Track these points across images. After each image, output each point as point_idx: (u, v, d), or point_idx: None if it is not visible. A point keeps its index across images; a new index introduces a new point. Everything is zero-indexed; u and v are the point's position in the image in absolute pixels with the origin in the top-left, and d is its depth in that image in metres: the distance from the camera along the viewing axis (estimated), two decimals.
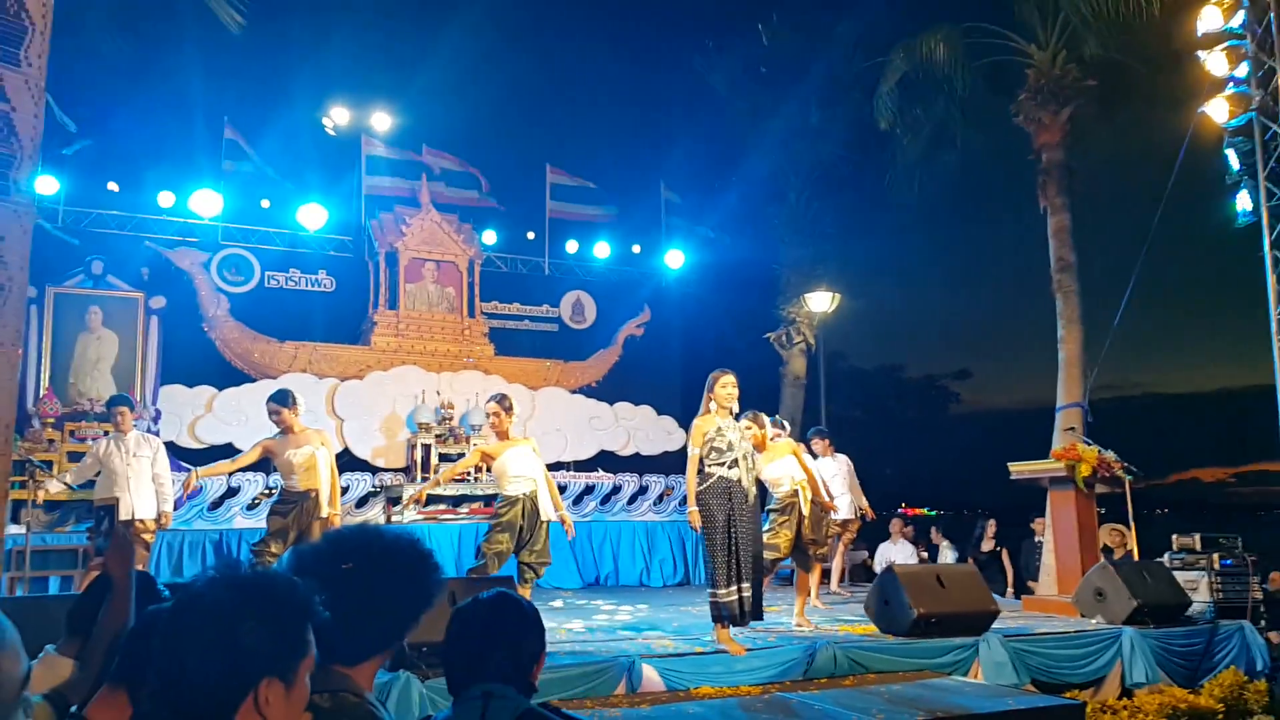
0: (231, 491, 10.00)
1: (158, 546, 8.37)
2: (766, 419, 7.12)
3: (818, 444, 9.09)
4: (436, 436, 11.29)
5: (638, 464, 12.68)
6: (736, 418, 6.08)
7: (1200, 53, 8.64)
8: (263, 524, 9.32)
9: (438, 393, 11.81)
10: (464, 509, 10.90)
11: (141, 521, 6.91)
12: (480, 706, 1.93)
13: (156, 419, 10.53)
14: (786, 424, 8.27)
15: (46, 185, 10.50)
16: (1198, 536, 8.90)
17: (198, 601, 1.37)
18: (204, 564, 9.10)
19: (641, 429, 13.20)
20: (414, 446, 11.25)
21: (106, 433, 9.75)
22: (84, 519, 9.10)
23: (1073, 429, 9.59)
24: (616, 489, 11.90)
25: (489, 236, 13.15)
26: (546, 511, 6.40)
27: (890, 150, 12.24)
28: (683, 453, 12.55)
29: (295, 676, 1.40)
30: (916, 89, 11.32)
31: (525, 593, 6.22)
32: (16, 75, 2.91)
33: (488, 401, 6.71)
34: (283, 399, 6.58)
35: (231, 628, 1.34)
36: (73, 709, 1.96)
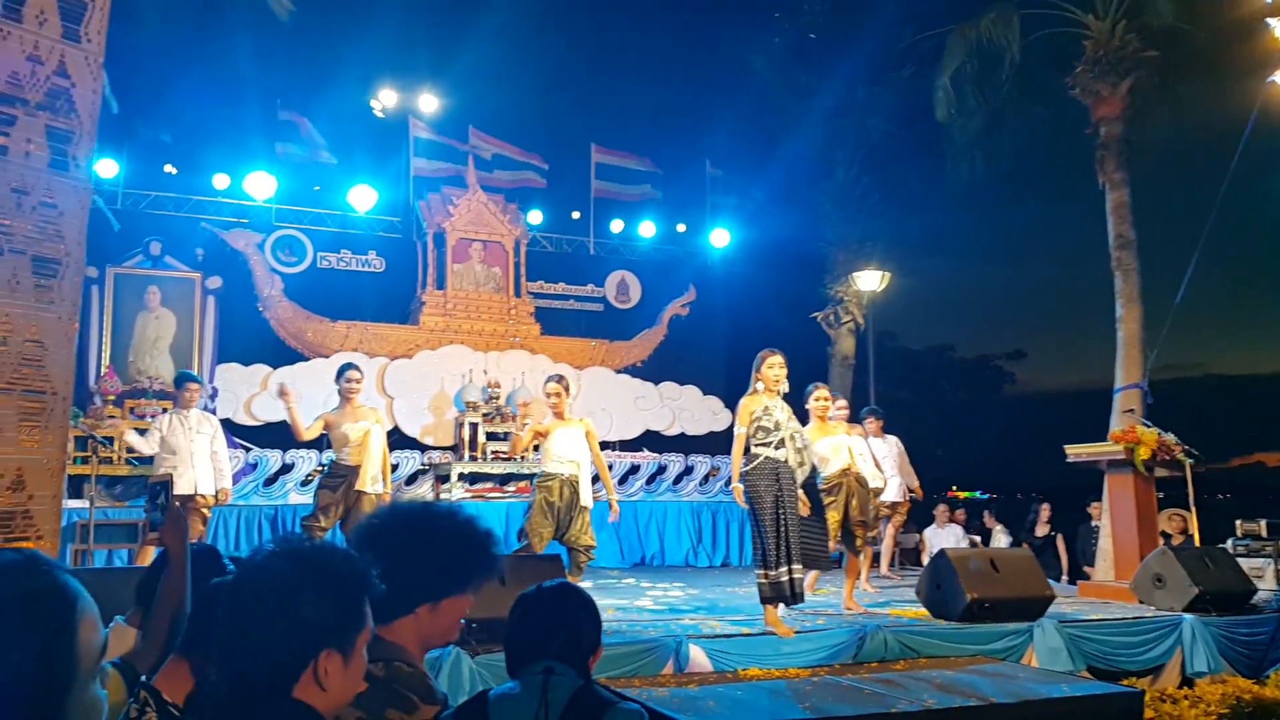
0: (286, 468, 10.18)
1: (214, 522, 8.54)
2: (821, 391, 7.06)
3: (871, 424, 8.96)
4: (484, 415, 11.37)
5: (683, 444, 12.66)
6: (785, 396, 5.99)
7: (1270, 20, 8.31)
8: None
9: (485, 372, 11.88)
10: (511, 487, 10.98)
11: (202, 496, 7.07)
12: (541, 681, 1.94)
13: (213, 396, 10.73)
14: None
15: (106, 168, 10.73)
16: (1263, 523, 8.68)
17: (258, 574, 1.40)
18: (260, 539, 9.27)
19: (687, 409, 13.16)
20: (461, 425, 11.34)
21: (165, 410, 9.98)
22: (144, 494, 9.31)
23: (1132, 410, 9.35)
24: (662, 469, 11.90)
25: (535, 216, 13.16)
26: (586, 497, 6.38)
27: (939, 123, 11.96)
28: (728, 433, 12.51)
29: (353, 649, 1.42)
30: (972, 70, 11.03)
31: (577, 578, 6.22)
32: (77, 51, 2.95)
33: (549, 381, 6.67)
34: (357, 368, 6.89)
35: (291, 600, 1.36)
36: (142, 678, 2.01)
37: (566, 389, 6.63)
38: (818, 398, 6.94)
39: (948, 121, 11.34)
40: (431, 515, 1.97)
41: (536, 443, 6.79)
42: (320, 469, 9.96)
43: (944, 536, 10.54)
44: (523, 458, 11.08)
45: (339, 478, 6.63)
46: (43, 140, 2.89)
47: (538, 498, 6.36)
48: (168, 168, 11.59)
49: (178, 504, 6.98)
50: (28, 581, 1.03)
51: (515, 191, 12.97)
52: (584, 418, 6.89)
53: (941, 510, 10.94)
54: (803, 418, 6.50)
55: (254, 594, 1.38)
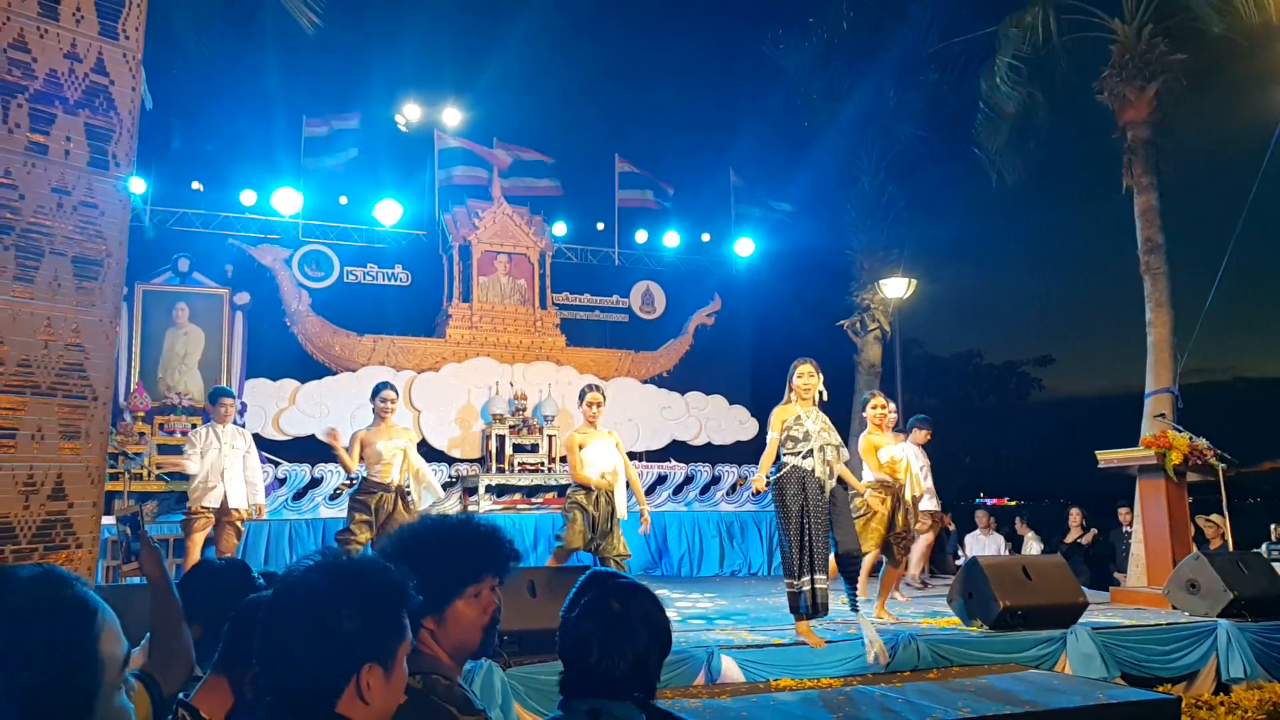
0: (315, 482, 10.25)
1: (244, 536, 8.58)
2: (878, 399, 7.03)
3: (919, 433, 8.77)
4: (510, 427, 11.40)
5: (710, 454, 12.65)
6: (823, 405, 5.95)
7: None
8: (345, 514, 9.56)
9: (511, 384, 11.93)
10: (538, 499, 11.01)
11: (236, 510, 7.13)
12: None
13: (243, 412, 10.81)
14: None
15: (134, 185, 10.87)
16: None
17: (297, 590, 1.39)
18: (290, 553, 9.34)
19: (713, 418, 13.15)
20: (489, 437, 11.38)
21: (194, 425, 10.07)
22: (173, 510, 9.40)
23: (1163, 415, 9.26)
24: (689, 479, 11.89)
25: (559, 228, 13.22)
26: (622, 509, 6.43)
27: (966, 128, 11.90)
28: (755, 442, 12.50)
29: (394, 661, 1.42)
30: (1003, 73, 10.97)
31: None
32: (115, 48, 2.96)
33: (592, 390, 6.74)
34: (395, 388, 6.99)
35: (332, 615, 1.36)
36: (180, 696, 2.01)
37: (605, 399, 6.72)
38: (874, 405, 6.94)
39: (1000, 104, 11.16)
40: (418, 530, 1.92)
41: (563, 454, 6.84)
42: (348, 483, 10.02)
43: (986, 545, 10.47)
44: (550, 469, 11.13)
45: (370, 494, 6.69)
46: (82, 139, 2.90)
47: (574, 504, 6.39)
48: (195, 184, 11.73)
49: (210, 518, 7.08)
50: (47, 593, 1.05)
51: (540, 203, 13.00)
52: (611, 430, 6.93)
53: (982, 517, 10.86)
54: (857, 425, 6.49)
55: (294, 610, 1.37)
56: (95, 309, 2.96)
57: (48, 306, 2.79)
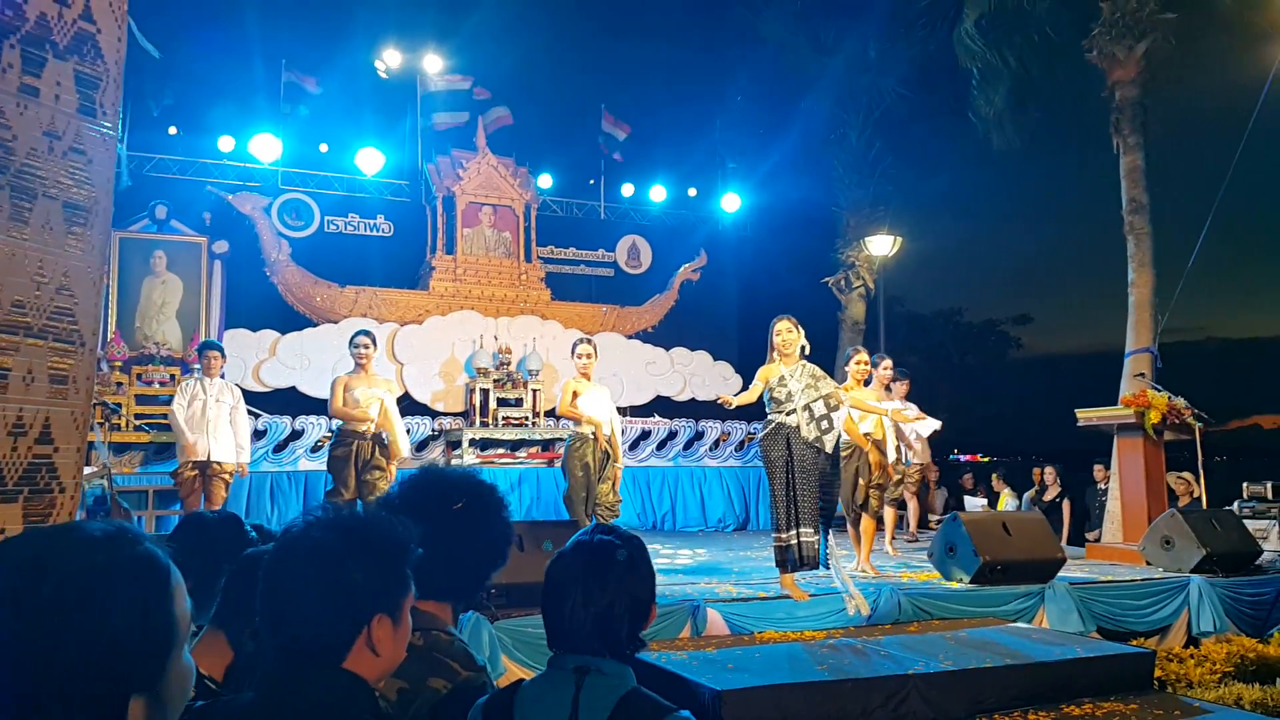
0: (295, 435, 10.19)
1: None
2: (862, 356, 7.01)
3: (899, 385, 8.78)
4: (494, 381, 11.38)
5: (694, 409, 12.69)
6: (808, 357, 5.91)
7: None
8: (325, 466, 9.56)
9: (495, 337, 11.87)
10: (522, 453, 11.03)
11: (218, 464, 7.07)
12: (573, 682, 1.67)
13: None
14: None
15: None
16: (1269, 485, 8.77)
17: (300, 545, 1.39)
18: (271, 505, 9.32)
19: (698, 374, 13.18)
20: (472, 391, 11.36)
21: (173, 376, 9.97)
22: (151, 461, 9.34)
23: (1142, 374, 9.38)
24: (673, 434, 11.93)
25: (544, 180, 13.07)
26: (619, 456, 6.54)
27: (955, 84, 11.81)
28: None
29: (401, 613, 1.42)
30: (991, 28, 10.88)
31: None
32: None
33: (583, 343, 6.80)
34: (371, 335, 6.92)
35: (340, 568, 1.35)
36: None
37: (596, 351, 6.84)
38: (856, 362, 6.91)
39: (969, 67, 11.12)
40: (480, 490, 1.96)
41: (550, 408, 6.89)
42: (329, 435, 9.97)
43: (976, 503, 10.64)
44: (535, 423, 11.13)
45: (346, 445, 6.61)
46: (71, 84, 2.88)
47: (573, 464, 6.44)
48: (172, 130, 11.49)
49: (195, 472, 7.03)
50: (124, 550, 1.05)
51: (523, 153, 12.80)
52: (600, 382, 6.98)
53: (996, 481, 11.06)
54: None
55: (300, 565, 1.36)
56: (84, 256, 2.94)
57: (40, 249, 2.79)
